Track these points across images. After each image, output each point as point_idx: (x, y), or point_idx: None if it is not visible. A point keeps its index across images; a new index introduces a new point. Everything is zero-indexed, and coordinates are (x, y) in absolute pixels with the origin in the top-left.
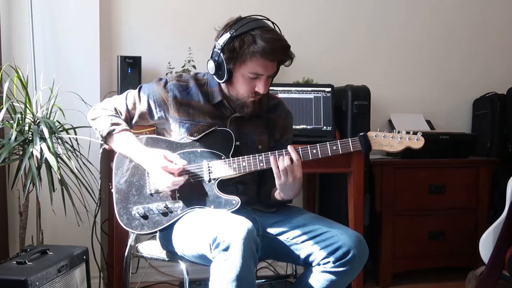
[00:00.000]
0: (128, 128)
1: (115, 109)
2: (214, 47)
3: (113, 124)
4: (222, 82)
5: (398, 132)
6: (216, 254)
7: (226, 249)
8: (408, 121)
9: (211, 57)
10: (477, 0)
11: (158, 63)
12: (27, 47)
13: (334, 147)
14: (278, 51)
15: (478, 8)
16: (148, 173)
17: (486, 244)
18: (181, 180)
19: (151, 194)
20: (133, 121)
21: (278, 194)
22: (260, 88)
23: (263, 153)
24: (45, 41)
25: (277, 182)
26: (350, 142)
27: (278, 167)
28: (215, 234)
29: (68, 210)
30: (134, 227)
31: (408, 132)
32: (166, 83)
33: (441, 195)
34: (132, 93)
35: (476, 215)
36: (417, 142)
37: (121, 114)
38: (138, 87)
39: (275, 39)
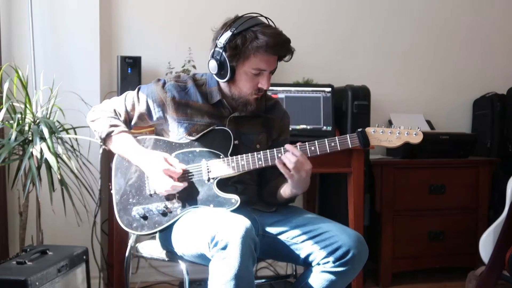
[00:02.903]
0: (127, 129)
1: (114, 110)
2: (216, 46)
3: (111, 126)
4: (225, 81)
5: (397, 127)
6: (214, 252)
7: (224, 248)
8: (408, 121)
9: (213, 56)
10: (478, 1)
11: (158, 63)
12: (27, 47)
13: (333, 144)
14: (281, 45)
15: (478, 8)
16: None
17: (486, 244)
18: (180, 185)
19: (151, 195)
20: (132, 122)
21: (290, 191)
22: (263, 84)
23: (261, 152)
24: (45, 41)
25: (290, 181)
26: (349, 138)
27: (287, 168)
28: (214, 232)
29: (68, 210)
30: (134, 228)
31: (406, 127)
32: (164, 83)
33: (441, 195)
34: (131, 95)
35: (476, 215)
36: (416, 137)
37: (120, 116)
38: (137, 88)
39: (277, 33)
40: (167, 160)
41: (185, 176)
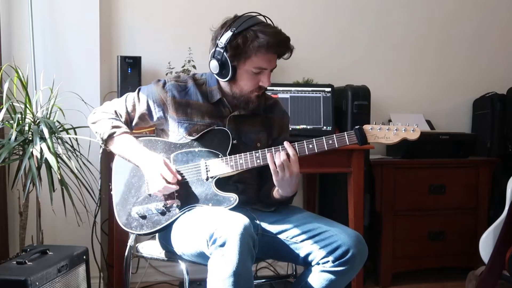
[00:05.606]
0: (128, 131)
1: (115, 112)
2: (216, 46)
3: (113, 127)
4: (226, 81)
5: (394, 124)
6: (213, 250)
7: (222, 245)
8: (408, 121)
9: (214, 56)
10: (478, 1)
11: (158, 63)
12: (27, 47)
13: (330, 141)
14: (282, 43)
15: (478, 8)
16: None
17: (486, 244)
18: (173, 188)
19: (150, 195)
20: (133, 123)
21: (276, 192)
22: (264, 82)
23: (259, 150)
24: (45, 41)
25: (274, 178)
26: (346, 136)
27: (274, 163)
28: (212, 230)
29: (68, 210)
30: (134, 227)
31: (404, 124)
32: (164, 83)
33: (441, 195)
34: (131, 96)
35: (476, 215)
36: (413, 134)
37: (121, 117)
38: (137, 89)
39: (277, 32)
40: (168, 165)
41: (182, 177)
